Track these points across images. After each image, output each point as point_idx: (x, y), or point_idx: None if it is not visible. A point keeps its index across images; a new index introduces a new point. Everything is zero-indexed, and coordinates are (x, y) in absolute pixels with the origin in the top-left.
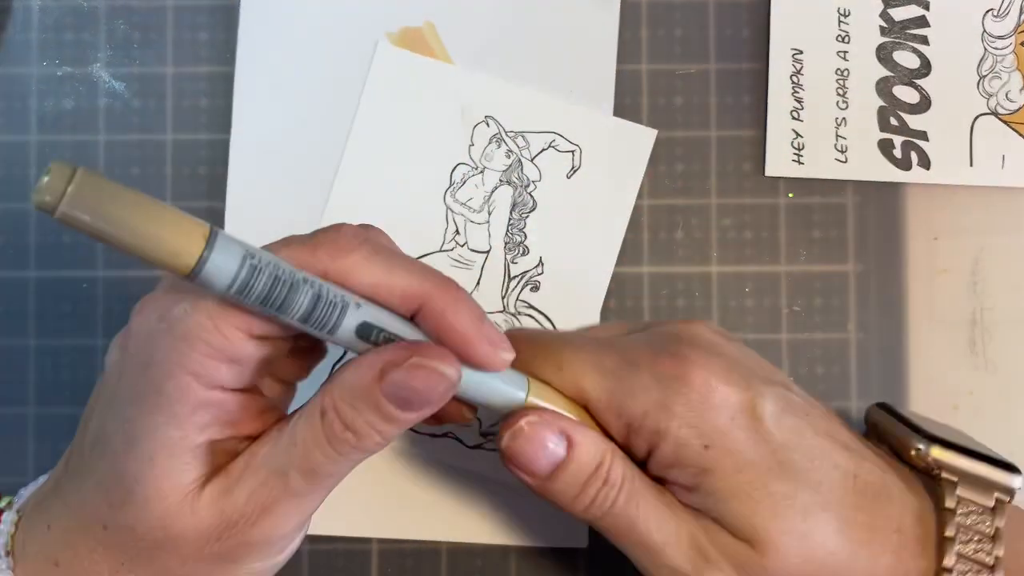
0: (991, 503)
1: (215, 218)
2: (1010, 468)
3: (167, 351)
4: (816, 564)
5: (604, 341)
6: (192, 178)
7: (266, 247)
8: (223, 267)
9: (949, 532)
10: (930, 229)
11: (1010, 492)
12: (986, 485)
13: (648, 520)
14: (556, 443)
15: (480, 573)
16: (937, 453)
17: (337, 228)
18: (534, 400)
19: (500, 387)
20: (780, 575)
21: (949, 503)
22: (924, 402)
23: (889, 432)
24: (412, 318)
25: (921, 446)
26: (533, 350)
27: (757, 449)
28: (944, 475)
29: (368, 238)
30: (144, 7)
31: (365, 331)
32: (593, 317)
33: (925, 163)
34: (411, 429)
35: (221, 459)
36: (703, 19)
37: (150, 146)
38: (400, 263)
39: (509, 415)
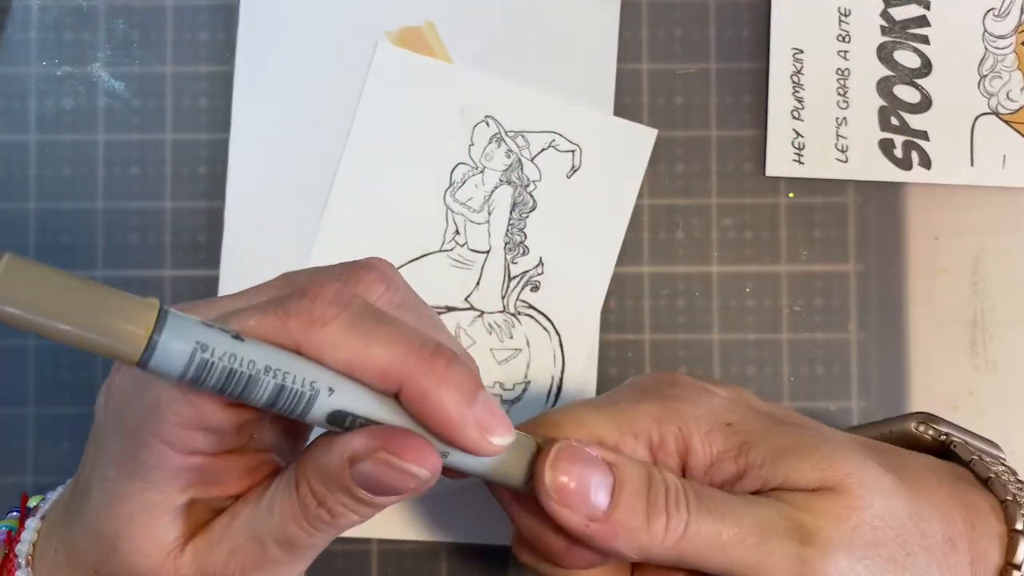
0: (999, 465)
1: (219, 218)
2: (992, 443)
3: (141, 418)
4: (888, 496)
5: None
6: (192, 178)
7: (248, 296)
8: (170, 362)
9: (991, 475)
10: (931, 229)
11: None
12: (984, 452)
13: (733, 515)
14: (601, 480)
15: (479, 573)
16: (938, 426)
17: (316, 291)
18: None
19: (499, 461)
20: (877, 511)
21: (973, 457)
22: (924, 402)
23: (875, 431)
24: (397, 394)
25: (920, 424)
26: (524, 424)
27: (768, 418)
28: (954, 439)
29: (350, 302)
30: (144, 7)
31: (338, 418)
32: (593, 317)
33: (926, 163)
34: None
35: (205, 516)
36: (703, 19)
37: (150, 146)
38: (382, 334)
39: (534, 463)
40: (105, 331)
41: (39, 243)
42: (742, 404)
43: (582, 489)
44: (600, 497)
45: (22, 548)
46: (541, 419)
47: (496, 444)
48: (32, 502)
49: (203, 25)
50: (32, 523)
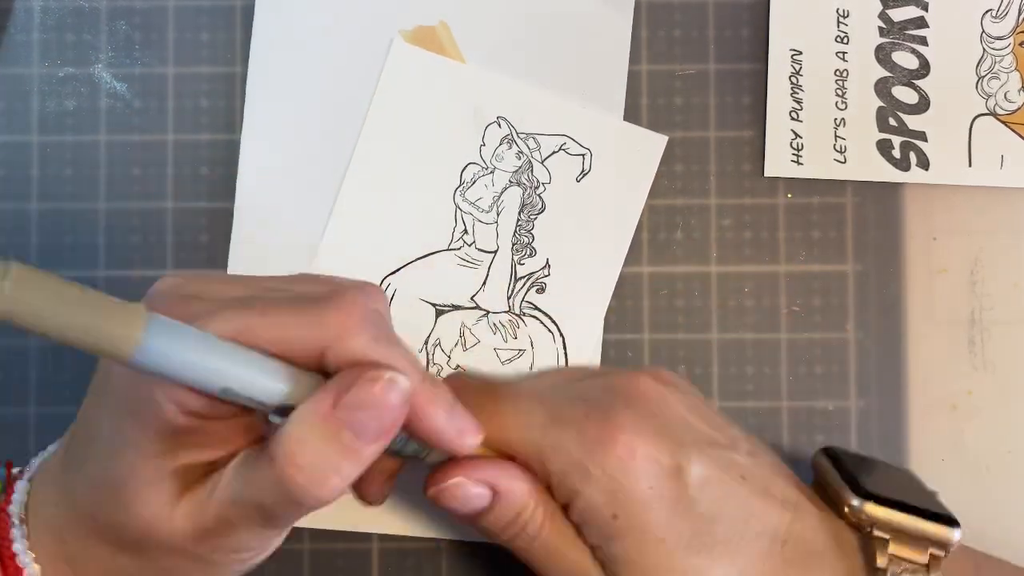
0: (925, 559)
1: (221, 218)
2: (949, 521)
3: (152, 388)
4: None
5: (543, 394)
6: (193, 179)
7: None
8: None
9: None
10: (929, 229)
11: (946, 546)
12: (921, 540)
13: (556, 569)
14: (480, 496)
15: (480, 571)
16: (871, 509)
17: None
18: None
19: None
20: None
21: (880, 562)
22: (923, 402)
23: (828, 484)
24: None
25: (855, 502)
26: (476, 401)
27: (672, 523)
28: (876, 532)
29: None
30: (145, 7)
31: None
32: (597, 321)
33: (924, 163)
34: None
35: (196, 476)
36: (703, 19)
37: (151, 147)
38: (400, 358)
39: (442, 464)
40: (101, 333)
41: (41, 244)
42: (663, 492)
43: (452, 509)
44: (465, 515)
45: (14, 508)
46: (488, 402)
47: (470, 443)
48: (15, 471)
49: (204, 26)
50: (22, 485)
